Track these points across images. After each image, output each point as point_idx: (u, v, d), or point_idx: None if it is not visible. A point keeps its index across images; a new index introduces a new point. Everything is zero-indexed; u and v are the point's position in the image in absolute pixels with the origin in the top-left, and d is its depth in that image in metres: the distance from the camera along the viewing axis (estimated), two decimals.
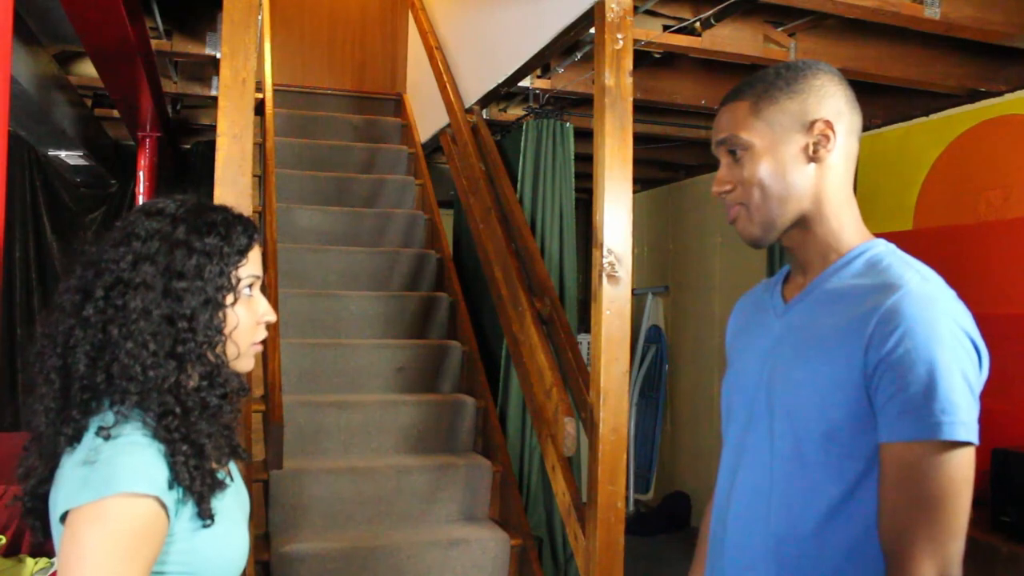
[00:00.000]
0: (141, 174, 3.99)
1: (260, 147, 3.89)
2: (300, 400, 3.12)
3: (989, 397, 3.58)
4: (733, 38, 2.94)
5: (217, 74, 3.55)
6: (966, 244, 3.40)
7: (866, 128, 3.95)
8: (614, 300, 2.31)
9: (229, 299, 1.03)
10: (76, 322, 0.98)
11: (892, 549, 0.97)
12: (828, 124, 1.09)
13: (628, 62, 2.35)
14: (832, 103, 1.11)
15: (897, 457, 0.97)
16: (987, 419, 3.55)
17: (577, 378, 2.63)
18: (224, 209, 1.08)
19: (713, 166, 4.83)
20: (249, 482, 2.57)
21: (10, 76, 1.27)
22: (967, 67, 3.24)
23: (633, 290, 2.43)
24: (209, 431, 1.02)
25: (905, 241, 4.02)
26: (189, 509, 0.97)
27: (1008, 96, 3.28)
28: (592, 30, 2.49)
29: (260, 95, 4.18)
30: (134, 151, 4.09)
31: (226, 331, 1.03)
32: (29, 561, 2.82)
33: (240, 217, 1.09)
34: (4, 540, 2.79)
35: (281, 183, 3.88)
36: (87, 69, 3.74)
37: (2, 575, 2.72)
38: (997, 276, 3.25)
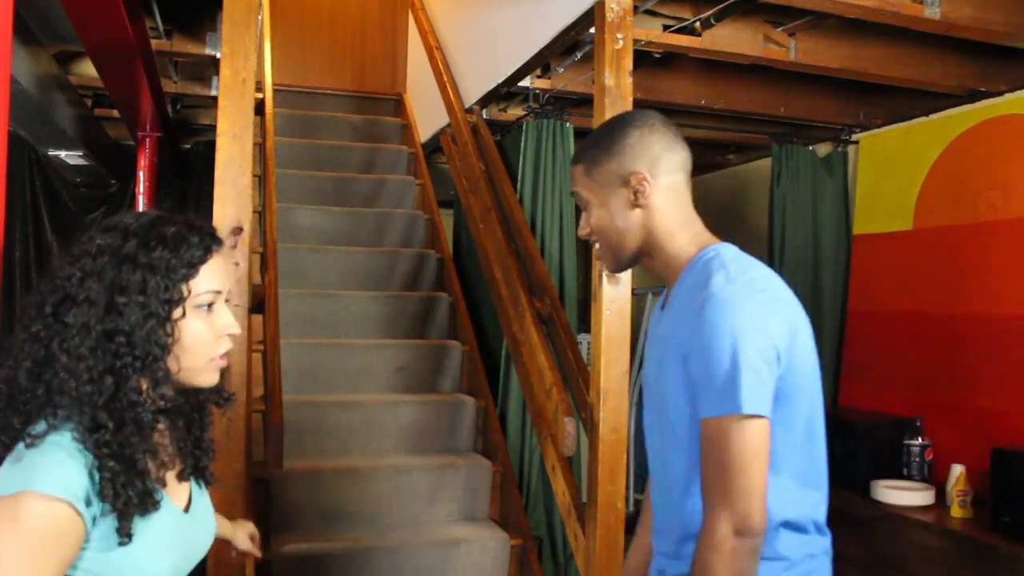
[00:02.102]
0: (141, 174, 3.99)
1: (260, 147, 3.89)
2: (300, 400, 3.11)
3: (989, 397, 3.57)
4: (733, 38, 2.94)
5: (217, 74, 3.55)
6: (966, 244, 3.40)
7: (866, 128, 3.96)
8: (614, 300, 2.31)
9: (176, 313, 1.02)
10: (26, 337, 1.00)
11: (703, 508, 1.18)
12: (642, 176, 1.30)
13: (628, 62, 2.35)
14: (646, 154, 1.31)
15: (704, 431, 1.18)
16: (987, 419, 3.54)
17: (577, 378, 2.63)
18: (182, 222, 1.07)
19: (713, 166, 4.82)
20: (250, 482, 2.58)
21: (10, 76, 1.27)
22: (967, 67, 3.23)
23: (633, 290, 2.43)
24: (146, 447, 1.02)
25: (905, 241, 4.01)
26: (110, 522, 0.96)
27: (1008, 96, 3.28)
28: (592, 30, 2.49)
29: (260, 95, 4.18)
30: (134, 151, 4.09)
31: (171, 345, 1.02)
32: None
33: (200, 228, 1.07)
34: None
35: (281, 183, 3.88)
36: (87, 69, 3.74)
37: None
38: (997, 276, 3.25)
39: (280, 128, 4.41)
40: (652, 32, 2.85)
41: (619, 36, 2.33)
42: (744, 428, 1.15)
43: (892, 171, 3.82)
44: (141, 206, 3.98)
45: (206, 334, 1.06)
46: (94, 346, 0.98)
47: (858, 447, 3.34)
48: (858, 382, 3.90)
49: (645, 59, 3.12)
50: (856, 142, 4.05)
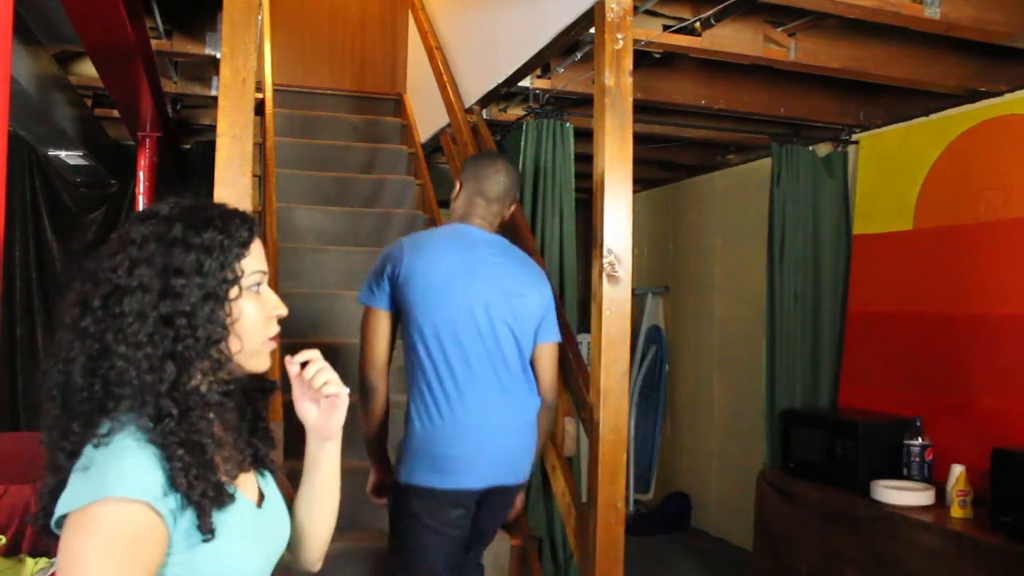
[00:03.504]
0: (141, 174, 3.99)
1: (260, 147, 3.89)
2: None
3: (989, 397, 3.58)
4: (733, 38, 2.94)
5: (217, 74, 3.54)
6: (966, 244, 3.40)
7: (866, 128, 3.96)
8: (614, 300, 2.31)
9: (233, 292, 1.01)
10: (75, 336, 0.97)
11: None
12: (458, 184, 2.29)
13: (628, 62, 2.35)
14: (464, 173, 2.30)
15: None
16: (987, 419, 3.55)
17: (577, 378, 2.63)
18: (220, 206, 1.07)
19: (713, 166, 4.81)
20: None
21: (10, 76, 1.27)
22: (967, 67, 3.23)
23: (633, 290, 2.43)
24: (211, 433, 1.00)
25: (905, 241, 4.01)
26: (188, 519, 0.94)
27: (1008, 96, 3.28)
28: (592, 30, 2.49)
29: (260, 95, 4.17)
30: (134, 151, 4.08)
31: (231, 326, 1.00)
32: (29, 561, 2.82)
33: (237, 212, 1.07)
34: (4, 540, 2.79)
35: (281, 183, 3.88)
36: (87, 69, 3.73)
37: (2, 575, 2.71)
38: (997, 276, 3.25)
39: (280, 128, 4.41)
40: (652, 32, 2.85)
41: (619, 36, 2.33)
42: (365, 312, 2.14)
43: (892, 171, 3.82)
44: (141, 206, 3.98)
45: (259, 314, 1.05)
46: (151, 332, 0.95)
47: (858, 447, 3.34)
48: (858, 382, 3.90)
49: (645, 59, 3.12)
50: (856, 142, 4.05)
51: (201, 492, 0.94)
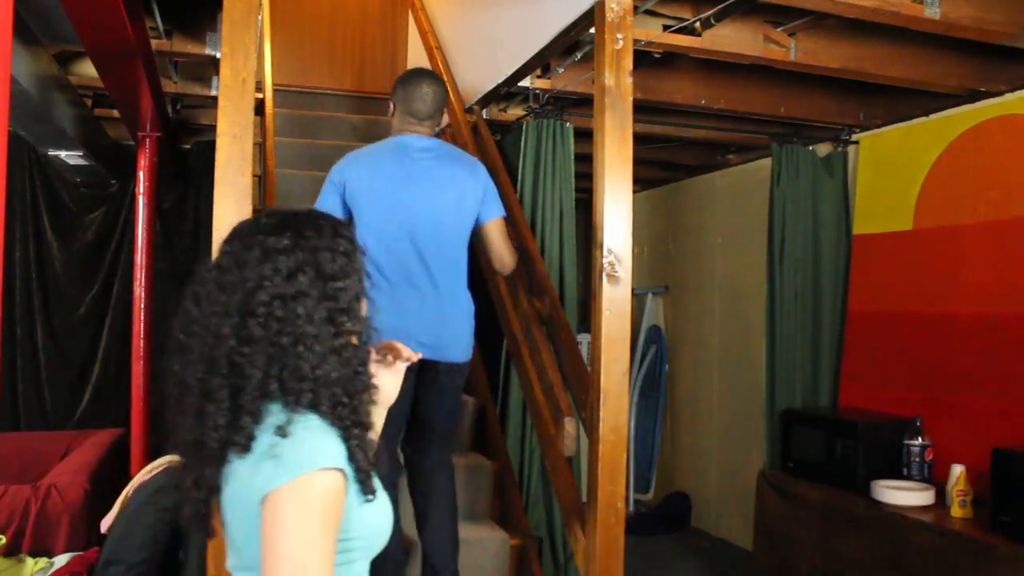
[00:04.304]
0: (141, 174, 3.98)
1: (260, 147, 3.89)
2: None
3: (989, 397, 3.58)
4: (733, 38, 2.94)
5: (217, 74, 3.54)
6: (966, 244, 3.40)
7: (866, 128, 3.96)
8: (614, 300, 2.31)
9: (366, 287, 1.18)
10: (237, 342, 1.07)
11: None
12: (392, 106, 2.57)
13: (628, 62, 2.35)
14: (395, 95, 2.55)
15: None
16: (987, 419, 3.55)
17: (577, 378, 2.63)
18: (319, 212, 1.22)
19: (713, 166, 4.81)
20: None
21: (10, 76, 1.27)
22: (967, 67, 3.23)
23: (633, 290, 2.43)
24: (368, 411, 1.15)
25: (905, 241, 4.01)
26: (355, 485, 1.09)
27: (1008, 96, 3.28)
28: (592, 30, 2.49)
29: (260, 95, 4.17)
30: (134, 151, 4.08)
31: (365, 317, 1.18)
32: (29, 561, 2.82)
33: (332, 218, 1.23)
34: (4, 540, 2.79)
35: (281, 183, 3.88)
36: (87, 69, 3.73)
37: (2, 575, 2.71)
38: (997, 276, 3.25)
39: (280, 128, 4.41)
40: (652, 32, 2.85)
41: (619, 36, 2.33)
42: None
43: (892, 171, 3.82)
44: (141, 206, 3.98)
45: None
46: (317, 333, 1.09)
47: (858, 447, 3.34)
48: (858, 382, 3.90)
49: (645, 59, 3.12)
50: (856, 142, 4.05)
51: (368, 460, 1.10)
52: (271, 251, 1.10)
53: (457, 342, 2.48)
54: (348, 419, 1.09)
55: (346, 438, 1.08)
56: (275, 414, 1.07)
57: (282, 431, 1.04)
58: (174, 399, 1.12)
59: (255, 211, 1.95)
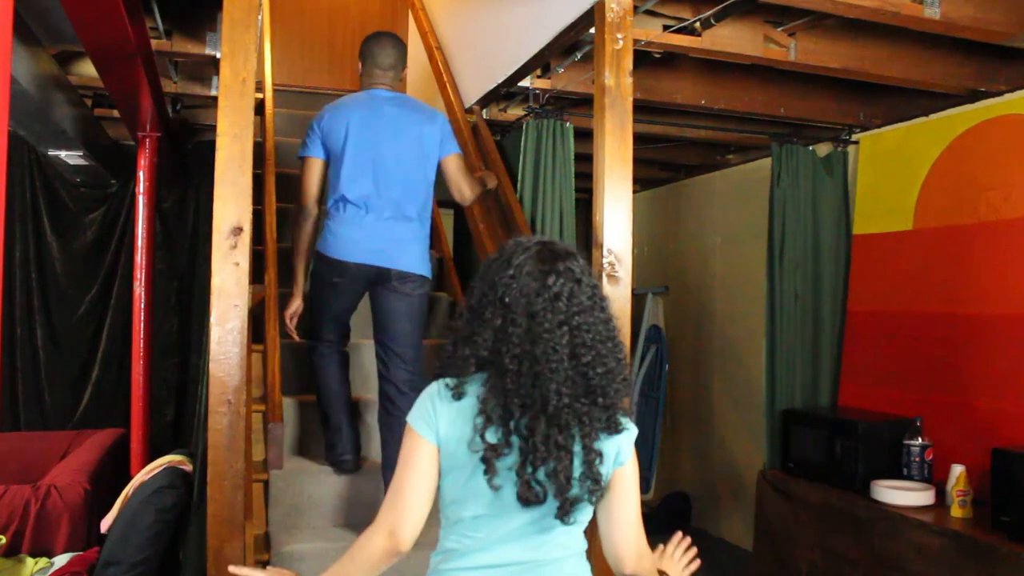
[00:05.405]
0: (141, 174, 3.98)
1: (260, 147, 3.89)
2: (300, 400, 3.11)
3: (989, 397, 3.57)
4: (733, 38, 2.94)
5: (217, 74, 3.54)
6: (966, 244, 3.40)
7: (866, 128, 3.96)
8: (614, 300, 2.31)
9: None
10: (581, 349, 1.46)
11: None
12: (360, 64, 2.93)
13: (628, 62, 2.35)
14: (363, 55, 2.93)
15: None
16: (987, 419, 3.53)
17: None
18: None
19: (713, 166, 4.81)
20: (248, 482, 2.58)
21: (10, 76, 1.27)
22: (967, 67, 3.23)
23: (633, 290, 2.43)
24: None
25: (905, 241, 4.00)
26: None
27: (1008, 96, 3.28)
28: (592, 30, 2.49)
29: (260, 95, 4.17)
30: (134, 151, 4.08)
31: None
32: (29, 561, 2.82)
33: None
34: (4, 540, 2.79)
35: (281, 183, 3.88)
36: (87, 69, 3.73)
37: (2, 575, 2.71)
38: (997, 276, 3.25)
39: (280, 128, 4.41)
40: (652, 32, 2.85)
41: (619, 36, 2.33)
42: (303, 162, 2.85)
43: (892, 171, 3.82)
44: (141, 206, 3.98)
45: None
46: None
47: (858, 447, 3.34)
48: (858, 382, 3.90)
49: (645, 59, 3.12)
50: (856, 142, 4.06)
51: None
52: (584, 273, 1.59)
53: (407, 254, 2.78)
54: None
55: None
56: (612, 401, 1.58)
57: (625, 414, 1.65)
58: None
59: (253, 211, 1.95)
